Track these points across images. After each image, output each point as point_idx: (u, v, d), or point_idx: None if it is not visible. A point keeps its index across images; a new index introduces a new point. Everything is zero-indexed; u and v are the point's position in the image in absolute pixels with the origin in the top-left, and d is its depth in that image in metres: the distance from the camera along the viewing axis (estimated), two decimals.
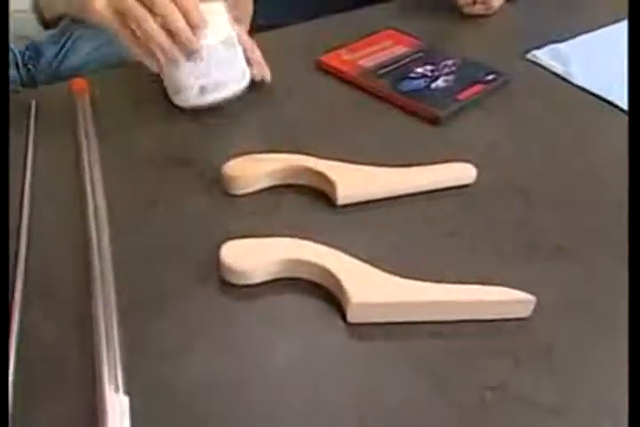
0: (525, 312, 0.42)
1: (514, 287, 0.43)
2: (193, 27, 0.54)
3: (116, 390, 0.37)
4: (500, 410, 0.38)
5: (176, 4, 0.54)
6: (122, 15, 0.55)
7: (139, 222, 0.50)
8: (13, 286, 0.43)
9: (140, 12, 0.53)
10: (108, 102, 0.64)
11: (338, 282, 0.43)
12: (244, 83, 0.62)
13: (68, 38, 0.84)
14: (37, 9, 0.61)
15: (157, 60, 0.56)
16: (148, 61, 0.57)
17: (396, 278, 0.43)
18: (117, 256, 0.46)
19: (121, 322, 0.41)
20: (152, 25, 0.53)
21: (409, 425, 0.37)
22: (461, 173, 0.54)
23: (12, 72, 0.82)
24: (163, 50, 0.54)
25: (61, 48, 0.84)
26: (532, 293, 0.42)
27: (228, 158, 0.53)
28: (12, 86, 0.81)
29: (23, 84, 0.83)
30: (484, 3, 0.79)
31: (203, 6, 0.56)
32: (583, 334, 0.43)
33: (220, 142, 0.60)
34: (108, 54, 0.86)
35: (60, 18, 0.65)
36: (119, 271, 0.45)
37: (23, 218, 0.50)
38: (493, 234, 0.50)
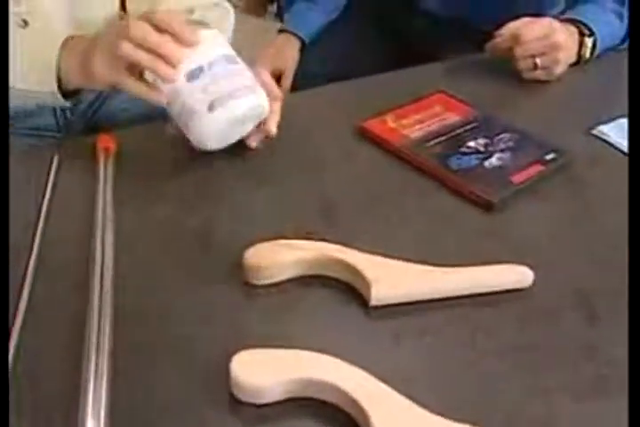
0: None
1: None
2: (187, 45, 0.53)
3: None
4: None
5: (163, 31, 0.53)
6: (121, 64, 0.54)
7: (144, 310, 0.45)
8: None
9: (135, 52, 0.52)
10: (132, 163, 0.61)
11: (362, 412, 0.36)
12: (257, 99, 0.55)
13: None
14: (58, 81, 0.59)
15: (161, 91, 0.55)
16: (154, 96, 0.56)
17: (429, 416, 0.36)
18: (117, 351, 0.41)
19: None
20: (145, 55, 0.52)
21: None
22: (515, 276, 0.47)
23: (49, 118, 0.80)
24: (160, 72, 0.53)
25: (99, 95, 0.83)
26: None
27: (252, 241, 0.48)
28: (48, 133, 0.80)
29: (59, 131, 0.81)
30: (545, 68, 0.73)
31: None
32: None
33: (244, 220, 0.55)
34: (142, 103, 0.84)
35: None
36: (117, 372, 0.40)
37: (22, 300, 0.46)
38: (551, 359, 0.43)
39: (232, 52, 0.56)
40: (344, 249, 0.48)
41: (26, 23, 0.65)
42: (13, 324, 0.43)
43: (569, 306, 0.46)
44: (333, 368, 0.39)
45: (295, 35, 1.01)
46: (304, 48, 1.02)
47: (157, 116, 0.78)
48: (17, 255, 0.48)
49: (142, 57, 0.52)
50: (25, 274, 0.47)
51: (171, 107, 0.55)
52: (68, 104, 0.63)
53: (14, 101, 0.61)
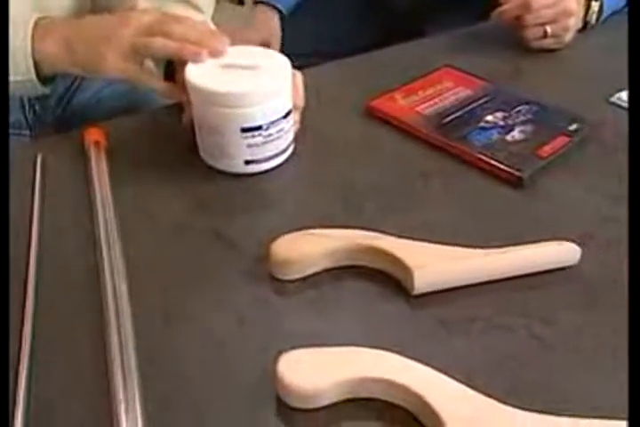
0: None
1: None
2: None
3: None
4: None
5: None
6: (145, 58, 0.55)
7: (166, 314, 0.43)
8: None
9: (160, 41, 0.53)
10: (125, 156, 0.57)
11: (430, 409, 0.35)
12: (290, 151, 0.57)
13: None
14: (36, 68, 0.56)
15: (188, 102, 0.55)
16: (175, 94, 0.57)
17: (499, 406, 0.35)
18: (141, 361, 0.39)
19: None
20: (174, 44, 0.53)
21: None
22: (562, 254, 0.46)
23: (18, 115, 0.76)
24: (195, 53, 0.52)
25: (71, 84, 0.80)
26: None
27: (272, 233, 0.46)
28: (17, 131, 0.76)
29: (30, 128, 0.77)
30: (555, 36, 0.72)
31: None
32: None
33: (260, 208, 0.53)
34: (119, 91, 0.82)
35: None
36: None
37: (28, 295, 0.43)
38: (614, 339, 0.42)
39: (290, 104, 0.54)
40: (378, 235, 0.46)
41: None
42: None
43: (622, 282, 0.45)
44: (390, 364, 0.37)
45: (273, 6, 1.00)
46: (283, 20, 1.00)
47: (133, 109, 0.75)
48: (15, 268, 0.45)
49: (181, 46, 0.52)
50: (25, 287, 0.44)
51: (199, 114, 0.54)
52: (47, 91, 0.60)
53: None
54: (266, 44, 0.99)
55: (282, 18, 1.02)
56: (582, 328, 0.42)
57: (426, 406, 0.35)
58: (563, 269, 0.46)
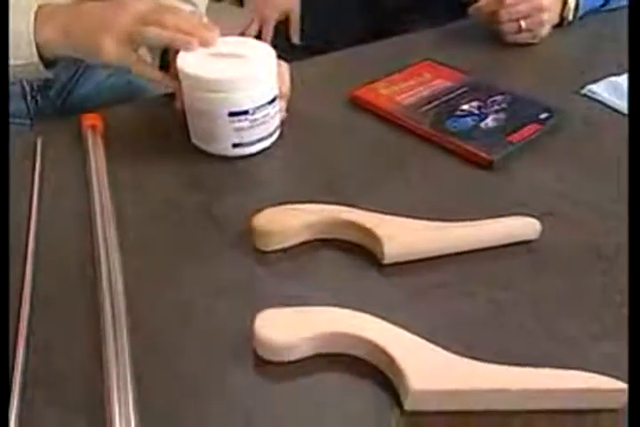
0: (616, 403, 0.38)
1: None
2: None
3: None
4: None
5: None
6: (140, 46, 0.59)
7: (156, 287, 0.46)
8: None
9: (155, 30, 0.56)
10: (121, 140, 0.61)
11: (393, 362, 0.38)
12: (275, 136, 0.61)
13: (79, 67, 0.83)
14: (38, 52, 0.60)
15: (180, 89, 0.58)
16: (163, 80, 0.61)
17: (457, 359, 0.38)
18: (133, 323, 0.42)
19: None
20: (167, 33, 0.56)
21: None
22: (524, 227, 0.50)
23: (19, 104, 0.80)
24: (186, 42, 0.56)
25: (72, 76, 0.83)
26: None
27: (258, 208, 0.50)
28: (18, 120, 0.80)
29: (30, 117, 0.81)
30: (530, 30, 0.76)
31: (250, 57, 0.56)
32: None
33: (248, 188, 0.56)
34: (120, 83, 0.85)
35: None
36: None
37: (26, 278, 0.46)
38: (566, 303, 0.45)
39: (276, 91, 0.58)
40: (352, 210, 0.49)
41: None
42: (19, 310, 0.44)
43: (579, 254, 0.49)
44: (358, 322, 0.40)
45: None
46: None
47: (130, 99, 0.79)
48: (15, 249, 0.48)
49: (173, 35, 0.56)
50: (24, 268, 0.47)
51: (190, 99, 0.58)
52: (50, 75, 0.63)
53: None
54: (286, 15, 1.03)
55: None
56: (538, 295, 0.46)
57: (389, 358, 0.38)
58: (525, 242, 0.50)
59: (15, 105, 0.80)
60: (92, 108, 0.75)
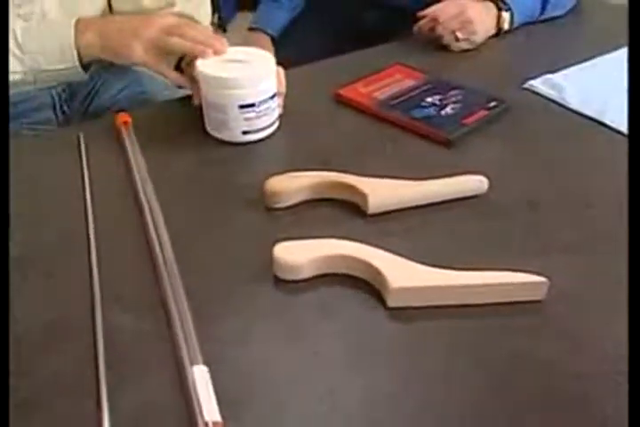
0: (540, 295, 0.52)
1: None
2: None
3: (196, 362, 0.46)
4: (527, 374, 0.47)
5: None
6: (164, 53, 0.73)
7: (196, 238, 0.60)
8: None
9: (177, 40, 0.71)
10: (148, 133, 0.75)
11: (378, 272, 0.52)
12: (276, 125, 0.76)
13: (97, 81, 0.97)
14: (79, 56, 0.74)
15: (197, 88, 0.73)
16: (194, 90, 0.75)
17: (428, 268, 0.53)
18: (183, 270, 0.55)
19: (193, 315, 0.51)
20: (188, 43, 0.71)
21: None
22: (475, 183, 0.64)
23: (49, 113, 0.94)
24: (203, 51, 0.70)
25: (92, 89, 0.97)
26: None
27: (267, 178, 0.64)
28: (49, 127, 0.93)
29: (59, 125, 0.95)
30: (466, 39, 0.94)
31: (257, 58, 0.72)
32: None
33: (257, 166, 0.71)
34: (134, 93, 0.99)
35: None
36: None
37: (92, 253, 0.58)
38: (508, 234, 0.60)
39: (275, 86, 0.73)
40: (341, 174, 0.64)
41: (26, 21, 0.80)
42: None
43: (519, 205, 0.64)
44: (354, 247, 0.54)
45: (265, 31, 1.21)
46: (274, 41, 1.22)
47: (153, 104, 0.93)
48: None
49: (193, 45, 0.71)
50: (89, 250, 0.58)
51: (207, 96, 0.72)
52: (86, 77, 0.78)
53: (42, 85, 0.76)
54: None
55: (273, 39, 1.24)
56: (483, 234, 0.61)
57: (377, 272, 0.52)
58: (474, 197, 0.65)
59: (45, 114, 0.94)
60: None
